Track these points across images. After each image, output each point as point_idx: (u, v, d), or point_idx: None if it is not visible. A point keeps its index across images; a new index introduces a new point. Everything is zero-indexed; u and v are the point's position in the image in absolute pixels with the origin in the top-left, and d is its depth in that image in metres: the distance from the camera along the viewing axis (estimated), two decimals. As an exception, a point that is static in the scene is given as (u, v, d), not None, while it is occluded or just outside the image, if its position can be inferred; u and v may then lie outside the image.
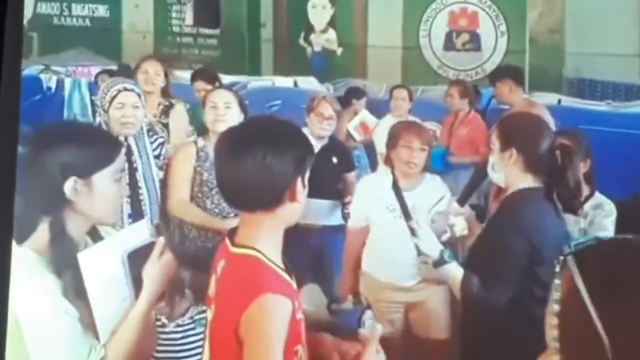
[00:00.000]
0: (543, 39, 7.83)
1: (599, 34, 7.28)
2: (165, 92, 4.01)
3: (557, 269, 1.08)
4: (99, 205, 1.62)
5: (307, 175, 1.61)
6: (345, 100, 5.39)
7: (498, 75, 4.87)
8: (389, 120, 5.08)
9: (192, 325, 2.44)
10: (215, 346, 1.59)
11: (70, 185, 1.57)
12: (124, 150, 1.80)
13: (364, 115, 5.08)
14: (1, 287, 1.46)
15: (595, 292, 0.90)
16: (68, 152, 1.59)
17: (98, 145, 1.65)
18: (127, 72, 6.63)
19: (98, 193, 1.61)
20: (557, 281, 1.11)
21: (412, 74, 8.11)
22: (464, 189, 2.72)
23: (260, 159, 1.52)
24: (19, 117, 1.52)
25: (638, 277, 0.89)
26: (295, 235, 1.71)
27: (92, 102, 6.43)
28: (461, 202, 2.87)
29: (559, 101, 6.14)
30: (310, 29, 9.07)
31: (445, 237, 2.97)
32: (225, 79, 6.78)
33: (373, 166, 5.27)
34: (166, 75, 4.06)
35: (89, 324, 1.57)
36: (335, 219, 3.66)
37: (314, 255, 3.63)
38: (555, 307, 1.04)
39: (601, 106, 6.35)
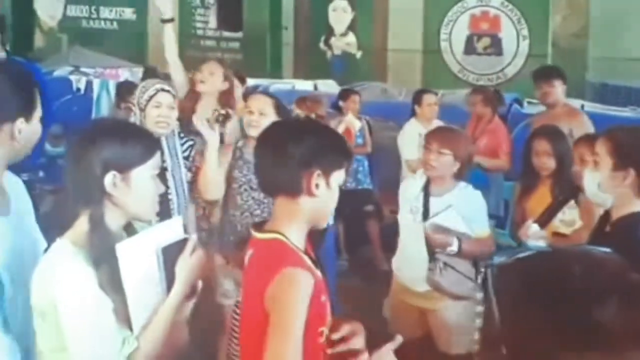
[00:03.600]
0: (566, 43, 7.57)
1: (623, 39, 7.00)
2: (222, 99, 3.75)
3: (479, 280, 1.00)
4: (135, 200, 1.63)
5: (337, 178, 1.63)
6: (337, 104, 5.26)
7: (549, 74, 4.48)
8: (413, 125, 4.88)
9: None
10: (244, 328, 1.61)
11: (109, 179, 1.59)
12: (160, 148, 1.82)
13: (348, 120, 4.92)
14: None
15: (504, 307, 0.89)
16: (109, 148, 1.60)
17: (137, 142, 1.66)
18: (153, 74, 6.55)
19: (135, 188, 1.62)
20: (478, 295, 1.03)
21: (433, 77, 7.88)
22: (549, 210, 2.53)
23: (277, 147, 1.61)
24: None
25: (547, 294, 0.85)
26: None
27: (117, 103, 6.34)
28: (542, 224, 2.65)
29: (582, 107, 5.85)
30: (330, 32, 8.91)
31: (449, 249, 2.80)
32: (247, 82, 6.66)
33: (372, 171, 5.12)
34: (227, 80, 3.79)
35: (122, 316, 1.57)
36: None
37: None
38: (478, 322, 0.96)
39: (625, 112, 6.08)
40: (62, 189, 1.71)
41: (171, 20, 3.76)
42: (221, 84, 3.66)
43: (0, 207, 1.61)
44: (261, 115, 2.96)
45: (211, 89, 3.63)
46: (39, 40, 10.52)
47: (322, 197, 1.61)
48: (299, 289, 1.51)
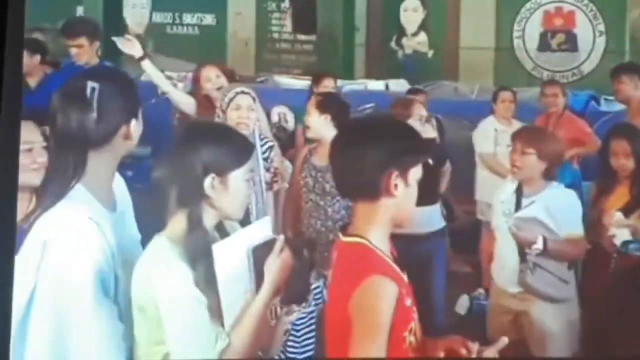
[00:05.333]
0: (644, 38, 7.17)
1: None
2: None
3: (612, 265, 0.97)
4: (230, 201, 1.66)
5: (415, 174, 1.59)
6: None
7: (617, 71, 4.37)
8: (489, 121, 4.84)
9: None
10: (330, 330, 1.62)
11: (209, 182, 1.63)
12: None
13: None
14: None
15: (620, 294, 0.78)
16: (210, 151, 1.64)
17: (235, 146, 1.69)
18: (232, 76, 6.70)
19: (231, 190, 1.65)
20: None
21: (505, 75, 7.64)
22: (633, 200, 2.50)
23: (352, 151, 1.58)
24: (19, 124, 1.49)
25: None
26: (404, 245, 1.74)
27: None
28: (627, 212, 2.62)
29: (659, 103, 5.53)
30: (402, 32, 8.78)
31: (534, 247, 2.77)
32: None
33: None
34: (225, 73, 3.88)
35: (216, 313, 1.60)
36: (438, 223, 3.53)
37: (421, 263, 3.43)
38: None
39: None
40: (149, 187, 1.75)
41: (143, 57, 3.68)
42: (221, 80, 3.72)
43: (109, 204, 1.68)
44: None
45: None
46: (127, 45, 10.81)
47: (402, 196, 1.58)
48: (381, 298, 1.49)
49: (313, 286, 2.65)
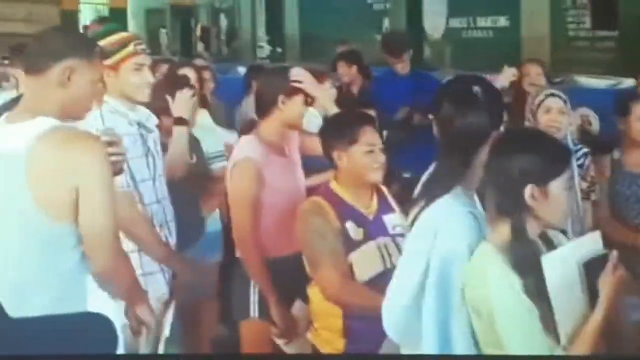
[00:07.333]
0: None
1: None
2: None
3: None
4: (552, 211, 1.60)
5: None
6: None
7: None
8: None
9: None
10: None
11: (528, 192, 1.58)
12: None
13: None
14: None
15: None
16: (527, 159, 1.58)
17: (553, 154, 1.62)
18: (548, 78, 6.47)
19: (552, 200, 1.58)
20: None
21: None
22: None
23: None
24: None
25: None
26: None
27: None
28: None
29: None
30: None
31: None
32: (626, 82, 6.04)
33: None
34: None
35: (548, 325, 1.55)
36: None
37: None
38: None
39: None
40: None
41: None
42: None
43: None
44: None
45: None
46: (426, 52, 11.19)
47: None
48: None
49: None
